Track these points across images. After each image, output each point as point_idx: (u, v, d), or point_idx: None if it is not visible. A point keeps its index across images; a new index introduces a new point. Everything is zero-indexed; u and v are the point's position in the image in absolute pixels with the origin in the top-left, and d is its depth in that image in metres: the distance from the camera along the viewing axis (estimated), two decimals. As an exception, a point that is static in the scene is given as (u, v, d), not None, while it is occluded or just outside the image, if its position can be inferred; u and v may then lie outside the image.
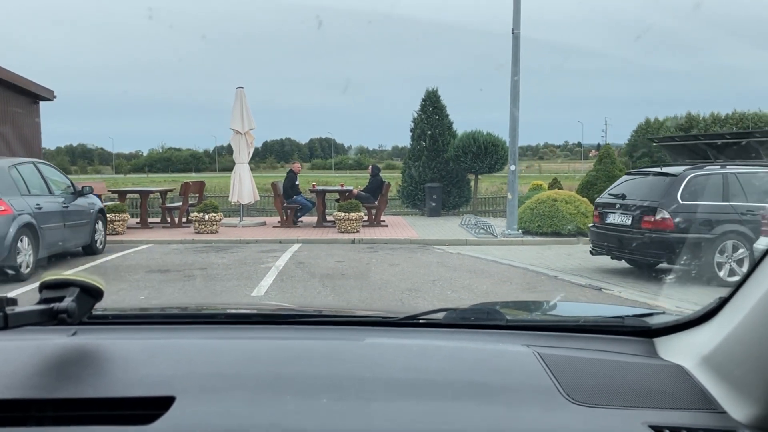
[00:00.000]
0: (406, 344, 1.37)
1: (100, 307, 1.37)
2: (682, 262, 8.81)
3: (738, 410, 1.04)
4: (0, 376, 1.13)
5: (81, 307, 1.16)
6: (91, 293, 1.20)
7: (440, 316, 1.53)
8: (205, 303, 5.70)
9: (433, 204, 18.72)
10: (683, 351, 1.27)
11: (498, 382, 1.16)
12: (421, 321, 1.52)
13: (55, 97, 18.25)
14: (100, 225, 11.25)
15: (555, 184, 18.57)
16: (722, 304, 1.19)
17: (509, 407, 1.07)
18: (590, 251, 9.88)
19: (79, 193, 10.57)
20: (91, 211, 10.91)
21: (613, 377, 1.19)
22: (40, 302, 1.16)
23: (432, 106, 20.11)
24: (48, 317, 1.12)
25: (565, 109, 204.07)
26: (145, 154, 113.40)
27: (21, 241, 8.50)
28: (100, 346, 1.29)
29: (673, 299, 7.63)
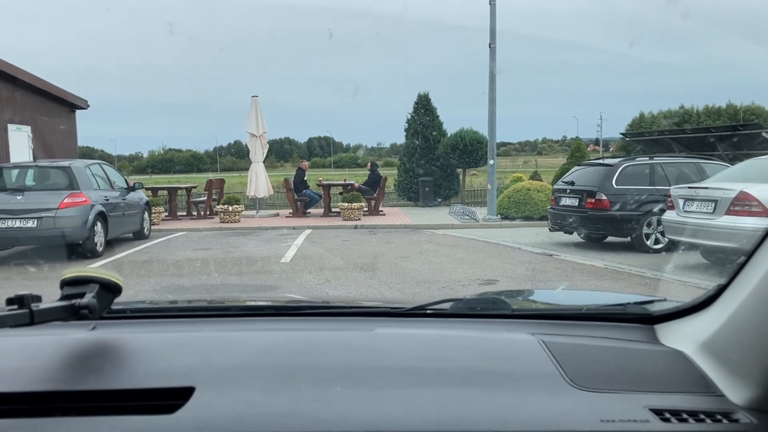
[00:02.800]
0: (414, 334, 1.42)
1: (120, 302, 1.41)
2: (618, 234, 11.13)
3: (736, 393, 1.09)
4: (27, 369, 1.18)
5: (101, 303, 1.22)
6: (110, 289, 1.26)
7: (447, 306, 1.58)
8: (219, 296, 6.08)
9: (426, 196, 21.05)
10: (683, 337, 1.31)
11: (504, 370, 1.20)
12: (428, 311, 1.57)
13: (88, 106, 20.53)
14: (146, 215, 13.55)
15: (535, 176, 20.92)
16: (721, 290, 1.23)
17: (515, 393, 1.11)
18: (549, 228, 12.21)
19: (131, 189, 12.88)
20: (141, 203, 13.23)
21: (616, 363, 1.24)
22: (62, 299, 1.21)
23: (424, 108, 22.46)
24: (70, 313, 1.18)
25: (564, 105, 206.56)
26: (145, 155, 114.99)
27: (96, 225, 10.79)
28: (119, 339, 1.34)
29: (605, 260, 9.92)
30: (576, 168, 12.43)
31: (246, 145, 18.53)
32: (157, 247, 12.28)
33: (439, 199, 21.25)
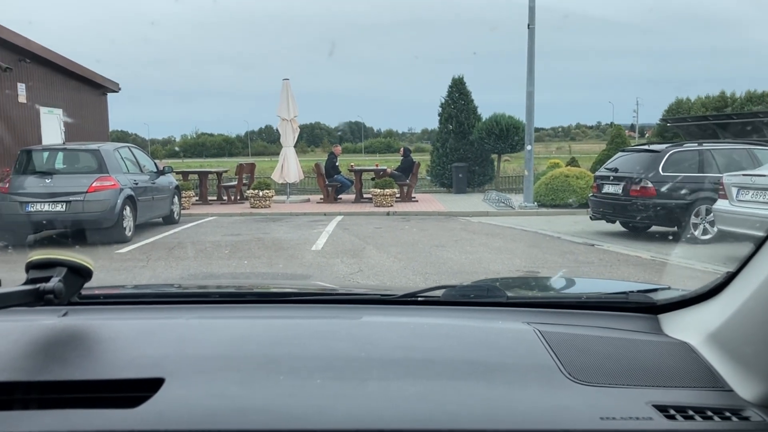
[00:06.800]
0: (403, 322, 1.37)
1: (92, 286, 1.35)
2: (664, 223, 10.60)
3: (745, 389, 1.02)
4: None
5: (68, 288, 1.16)
6: (80, 273, 1.20)
7: (440, 293, 1.53)
8: (200, 282, 5.71)
9: (459, 182, 20.58)
10: (689, 327, 1.24)
11: (497, 361, 1.14)
12: (419, 299, 1.52)
13: (120, 89, 20.45)
14: (176, 199, 13.36)
15: (572, 163, 20.33)
16: (730, 278, 1.16)
17: (508, 387, 1.05)
18: (590, 217, 11.72)
19: (161, 172, 12.68)
20: (170, 187, 13.03)
21: (616, 355, 1.17)
22: (26, 283, 1.15)
23: (458, 92, 21.94)
24: (34, 298, 1.12)
25: (598, 90, 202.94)
26: (177, 139, 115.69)
27: (125, 209, 10.61)
28: (89, 327, 1.28)
29: (651, 252, 9.42)
30: (619, 154, 11.89)
31: (277, 129, 18.25)
32: (186, 232, 12.08)
33: (459, 182, 20.56)
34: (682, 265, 8.49)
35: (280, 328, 1.33)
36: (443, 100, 22.13)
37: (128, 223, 10.74)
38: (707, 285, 1.24)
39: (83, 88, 18.44)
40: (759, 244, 1.09)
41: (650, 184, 10.29)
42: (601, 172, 11.67)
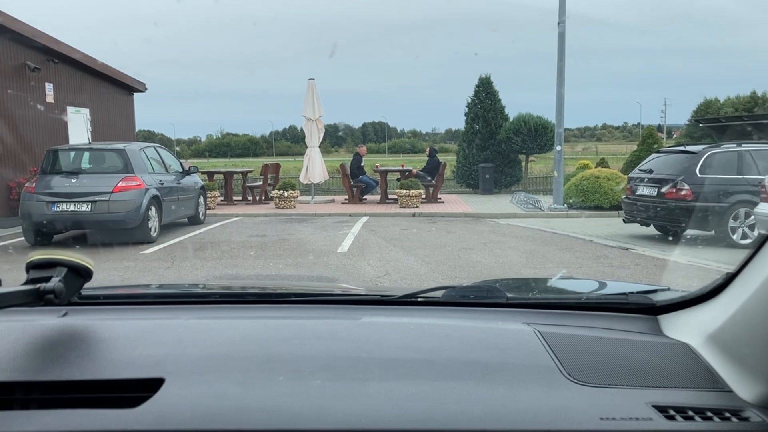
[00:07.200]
0: (402, 323, 1.37)
1: (92, 287, 1.36)
2: (701, 227, 10.25)
3: (745, 389, 1.02)
4: None
5: (69, 288, 1.16)
6: (79, 273, 1.20)
7: (439, 294, 1.54)
8: (200, 282, 5.66)
9: (486, 183, 20.29)
10: (689, 328, 1.25)
11: (497, 361, 1.14)
12: (419, 299, 1.52)
13: (146, 89, 20.49)
14: (201, 200, 13.27)
15: (602, 163, 19.93)
16: (729, 279, 1.16)
17: (508, 387, 1.05)
18: (623, 219, 11.40)
19: (186, 172, 12.61)
20: (196, 187, 12.95)
21: (616, 356, 1.18)
22: (26, 283, 1.15)
23: (485, 92, 21.62)
24: (34, 298, 1.12)
25: (625, 90, 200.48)
26: (203, 139, 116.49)
27: (150, 209, 10.52)
28: (89, 327, 1.28)
29: (688, 256, 9.11)
30: (654, 155, 11.56)
31: (301, 129, 18.15)
32: (211, 233, 11.99)
33: (486, 182, 20.22)
34: (723, 271, 8.15)
35: (281, 328, 1.33)
36: (470, 100, 21.85)
37: (153, 223, 10.65)
38: (707, 286, 1.24)
39: (110, 88, 18.48)
40: (758, 245, 1.09)
41: (687, 186, 9.96)
42: (636, 173, 11.35)
